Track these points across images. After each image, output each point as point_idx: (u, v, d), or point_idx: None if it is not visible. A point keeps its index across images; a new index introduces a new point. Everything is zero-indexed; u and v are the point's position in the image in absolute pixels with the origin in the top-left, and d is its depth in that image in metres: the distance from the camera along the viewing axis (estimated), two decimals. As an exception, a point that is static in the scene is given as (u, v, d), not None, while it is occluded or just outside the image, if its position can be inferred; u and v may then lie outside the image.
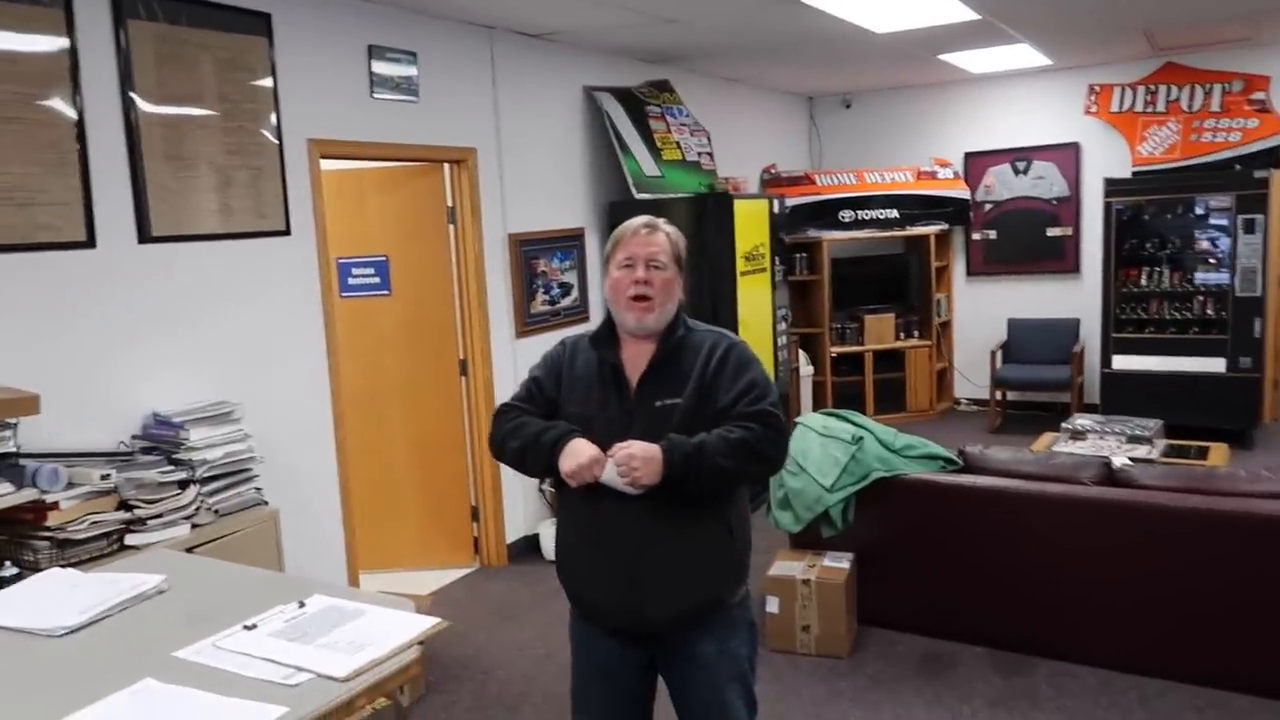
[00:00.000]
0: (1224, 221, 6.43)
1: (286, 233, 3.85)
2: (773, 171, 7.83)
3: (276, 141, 3.78)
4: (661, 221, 2.26)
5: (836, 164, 8.30)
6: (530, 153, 5.20)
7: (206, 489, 3.18)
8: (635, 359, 2.20)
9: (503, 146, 5.00)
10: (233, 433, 3.31)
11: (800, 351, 7.39)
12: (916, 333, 7.82)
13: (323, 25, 4.00)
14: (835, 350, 7.65)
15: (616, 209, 5.55)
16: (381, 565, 4.95)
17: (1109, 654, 3.53)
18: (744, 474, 2.13)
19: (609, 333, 2.25)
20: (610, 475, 2.04)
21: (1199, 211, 6.55)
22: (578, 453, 2.07)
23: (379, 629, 1.61)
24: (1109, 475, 3.59)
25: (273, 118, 3.76)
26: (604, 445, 2.07)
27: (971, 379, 8.09)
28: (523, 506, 5.18)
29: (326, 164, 4.29)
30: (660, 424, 2.11)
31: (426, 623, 1.62)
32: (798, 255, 7.60)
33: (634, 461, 2.01)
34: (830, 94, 8.37)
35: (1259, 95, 6.81)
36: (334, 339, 4.13)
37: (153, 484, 2.98)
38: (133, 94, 3.26)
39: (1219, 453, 5.21)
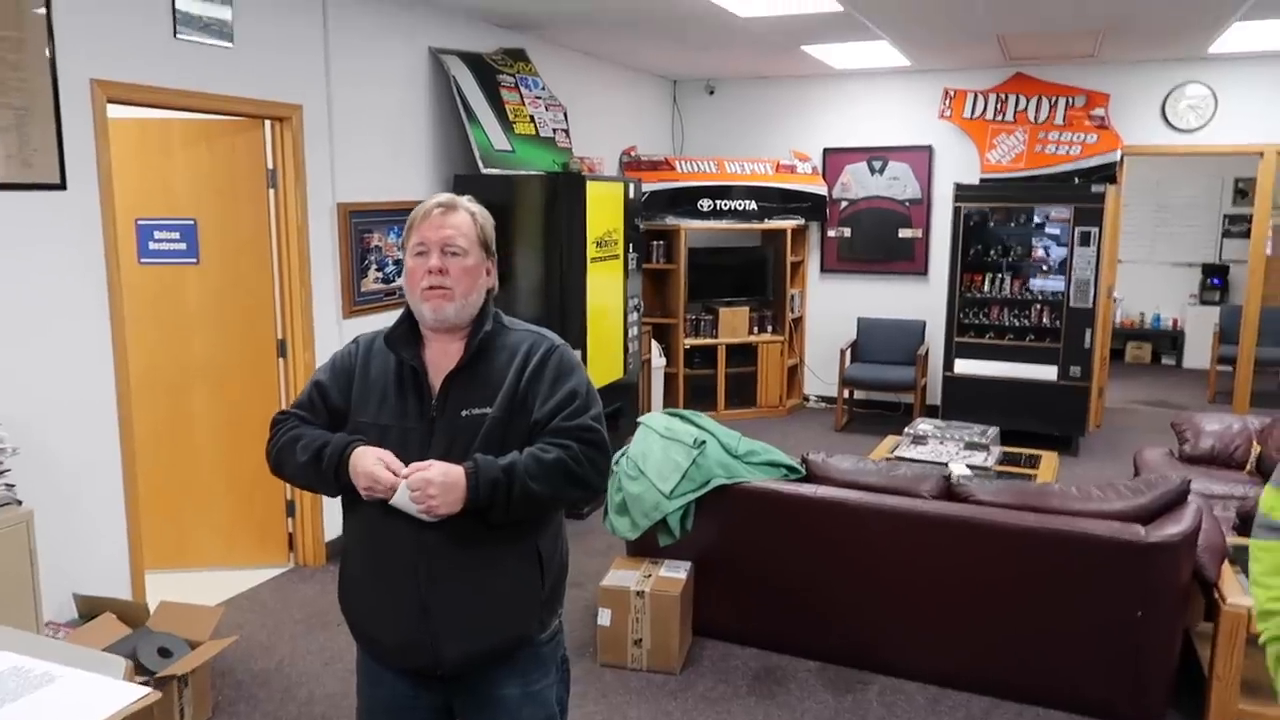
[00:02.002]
0: (1058, 232, 6.62)
1: (61, 186, 3.32)
2: (632, 154, 7.59)
3: (50, 79, 3.24)
4: (464, 199, 1.92)
5: (698, 151, 8.14)
6: (366, 116, 4.76)
7: (-64, 487, 2.69)
8: (439, 360, 1.89)
9: (334, 106, 4.54)
10: (-26, 420, 2.82)
11: (653, 342, 7.21)
12: (770, 327, 7.77)
13: (115, -50, 3.47)
14: (689, 342, 7.50)
15: (462, 183, 5.17)
16: (180, 564, 4.47)
17: (940, 670, 3.47)
18: (559, 499, 1.86)
19: (409, 330, 1.93)
20: (402, 499, 1.73)
21: (1039, 221, 6.72)
22: (363, 471, 1.76)
23: (67, 705, 1.26)
24: (947, 488, 3.53)
25: (46, 51, 3.22)
26: (402, 460, 1.77)
27: (821, 376, 8.12)
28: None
29: (122, 111, 3.76)
30: (466, 437, 1.82)
31: (133, 694, 1.29)
32: (654, 243, 7.40)
33: (430, 489, 1.71)
34: (695, 78, 8.18)
35: (1099, 112, 7.04)
36: (119, 311, 3.61)
37: None
38: None
39: (1049, 461, 5.32)
